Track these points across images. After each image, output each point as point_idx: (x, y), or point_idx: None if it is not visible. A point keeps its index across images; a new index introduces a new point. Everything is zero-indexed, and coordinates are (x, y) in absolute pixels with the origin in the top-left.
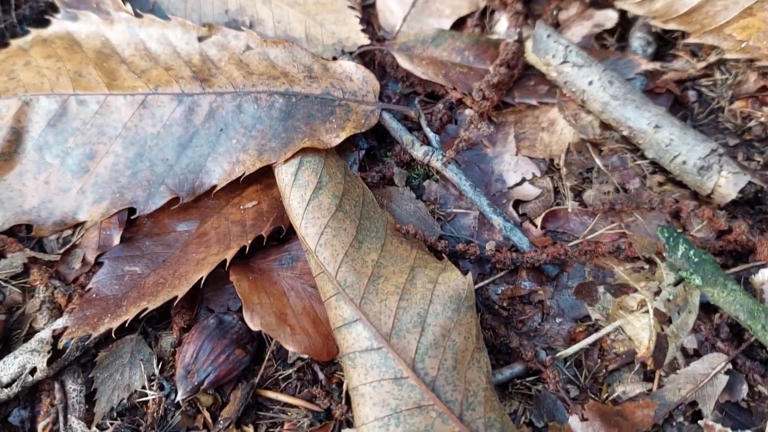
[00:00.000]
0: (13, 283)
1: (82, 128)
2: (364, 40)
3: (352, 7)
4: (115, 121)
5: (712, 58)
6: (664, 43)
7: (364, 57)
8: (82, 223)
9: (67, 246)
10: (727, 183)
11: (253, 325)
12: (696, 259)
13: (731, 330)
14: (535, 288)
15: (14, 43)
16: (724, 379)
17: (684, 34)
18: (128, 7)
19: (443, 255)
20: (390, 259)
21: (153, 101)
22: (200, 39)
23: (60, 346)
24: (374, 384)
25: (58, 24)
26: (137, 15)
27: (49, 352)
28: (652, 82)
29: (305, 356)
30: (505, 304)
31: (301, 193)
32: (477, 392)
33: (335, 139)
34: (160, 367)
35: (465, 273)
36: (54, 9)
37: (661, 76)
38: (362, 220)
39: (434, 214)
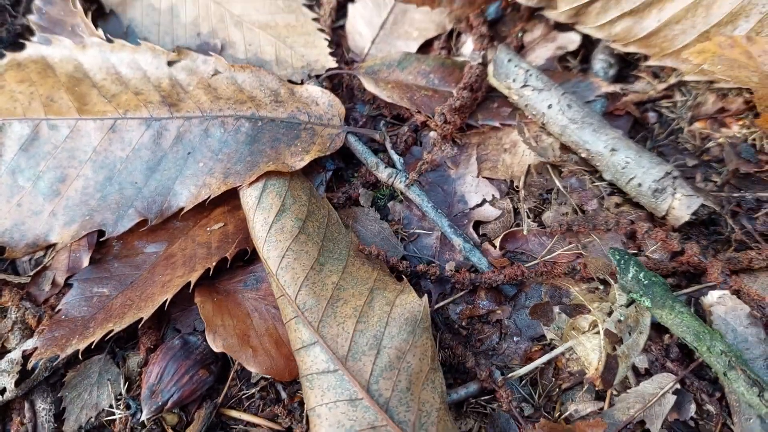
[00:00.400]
0: None
1: (53, 152)
2: (331, 63)
3: (321, 30)
4: (85, 146)
5: (673, 80)
6: (626, 65)
7: (333, 79)
8: (53, 245)
9: (38, 268)
10: (681, 205)
11: (216, 346)
12: (646, 282)
13: (681, 350)
14: (493, 308)
15: None
16: (672, 399)
17: (645, 56)
18: (100, 32)
19: (404, 276)
20: (351, 281)
21: (122, 126)
22: (170, 63)
23: (29, 366)
24: (330, 405)
25: (33, 48)
26: (109, 40)
27: (18, 373)
28: (613, 104)
29: (268, 376)
30: (464, 324)
31: (264, 216)
32: (430, 412)
33: (300, 163)
34: (127, 386)
35: (423, 294)
36: (30, 32)
37: (622, 98)
38: (325, 242)
39: (398, 234)
